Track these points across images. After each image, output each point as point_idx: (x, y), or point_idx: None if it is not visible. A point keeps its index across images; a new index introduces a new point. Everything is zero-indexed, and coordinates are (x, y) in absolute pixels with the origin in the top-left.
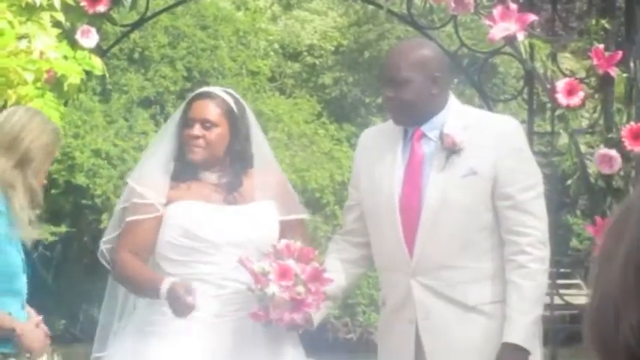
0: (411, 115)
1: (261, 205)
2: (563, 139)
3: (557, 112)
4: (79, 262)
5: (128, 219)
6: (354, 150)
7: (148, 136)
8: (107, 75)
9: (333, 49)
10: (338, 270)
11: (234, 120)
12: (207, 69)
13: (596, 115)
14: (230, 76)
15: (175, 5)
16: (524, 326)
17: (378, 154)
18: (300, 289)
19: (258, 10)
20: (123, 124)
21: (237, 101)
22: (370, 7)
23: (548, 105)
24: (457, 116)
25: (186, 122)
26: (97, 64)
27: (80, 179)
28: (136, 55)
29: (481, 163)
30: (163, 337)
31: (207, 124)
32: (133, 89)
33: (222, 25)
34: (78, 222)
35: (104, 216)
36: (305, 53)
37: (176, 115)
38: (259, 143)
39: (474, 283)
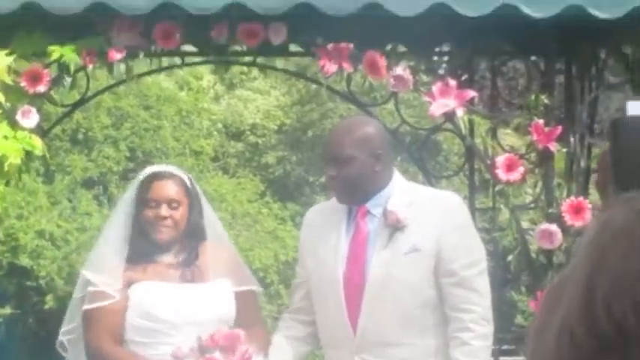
0: (355, 193)
1: (217, 283)
2: (505, 215)
3: (497, 188)
4: (25, 344)
5: (86, 307)
6: (298, 229)
7: (92, 216)
8: (47, 155)
9: (276, 128)
10: (285, 348)
11: (192, 197)
12: (151, 149)
13: (537, 191)
14: (173, 156)
15: (116, 84)
16: None
17: (322, 231)
18: None
19: (201, 89)
20: (66, 205)
21: (189, 177)
22: (313, 86)
23: (491, 181)
24: (401, 193)
25: (147, 203)
26: (38, 144)
27: (24, 260)
28: (80, 136)
29: (424, 240)
30: None
31: (173, 204)
32: (77, 170)
33: (166, 105)
34: (22, 303)
35: (49, 297)
36: (248, 132)
37: (127, 197)
38: (209, 216)
39: (418, 359)
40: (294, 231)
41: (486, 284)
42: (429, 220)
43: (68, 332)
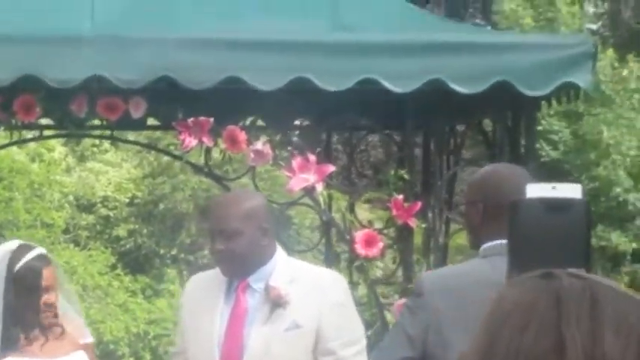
0: (242, 267)
1: (76, 355)
2: (363, 290)
3: (356, 263)
4: None
5: None
6: (148, 302)
7: None
8: None
9: (127, 200)
10: None
11: None
12: (2, 221)
13: (393, 266)
14: (24, 228)
15: None
16: None
17: (201, 303)
18: None
19: (53, 161)
20: None
21: None
22: (165, 158)
23: (344, 255)
24: (284, 268)
25: (39, 292)
26: None
27: None
28: None
29: (304, 317)
30: None
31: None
32: None
33: (17, 177)
34: None
35: None
36: (99, 205)
37: None
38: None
39: None
40: (145, 303)
41: None
42: (309, 298)
43: None
